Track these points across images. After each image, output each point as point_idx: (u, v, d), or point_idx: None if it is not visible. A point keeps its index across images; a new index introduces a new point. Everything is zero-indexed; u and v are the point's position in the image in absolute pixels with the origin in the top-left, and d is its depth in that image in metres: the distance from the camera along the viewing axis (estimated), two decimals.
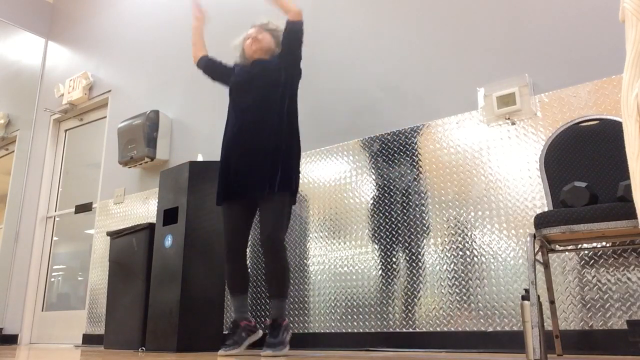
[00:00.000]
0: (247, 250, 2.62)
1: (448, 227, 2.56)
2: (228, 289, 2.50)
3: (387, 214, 2.78)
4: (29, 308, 4.86)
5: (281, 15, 2.78)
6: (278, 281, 2.33)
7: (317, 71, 3.32)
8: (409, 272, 2.63)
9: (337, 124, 3.13)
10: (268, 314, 3.12)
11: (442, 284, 2.51)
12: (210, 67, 2.84)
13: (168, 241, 3.07)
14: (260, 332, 2.47)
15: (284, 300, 2.35)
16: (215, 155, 3.72)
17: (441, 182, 2.63)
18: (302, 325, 2.94)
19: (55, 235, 5.05)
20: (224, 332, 3.28)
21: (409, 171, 2.76)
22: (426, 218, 2.64)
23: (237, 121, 2.53)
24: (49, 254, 5.00)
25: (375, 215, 2.82)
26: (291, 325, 2.98)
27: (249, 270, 3.16)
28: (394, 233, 2.73)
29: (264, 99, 2.51)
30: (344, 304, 2.81)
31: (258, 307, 3.15)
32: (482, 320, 2.36)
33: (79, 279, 4.64)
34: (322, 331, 2.85)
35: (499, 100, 2.51)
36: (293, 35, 2.59)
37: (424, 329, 2.51)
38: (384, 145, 2.89)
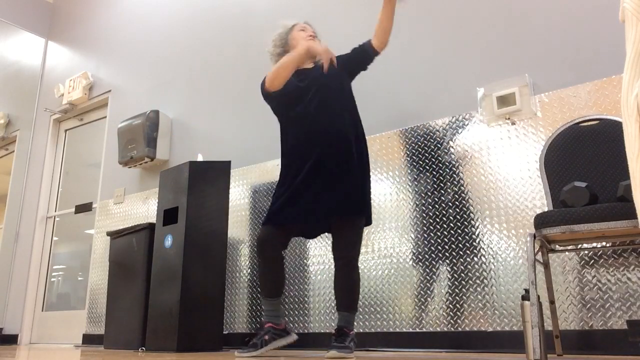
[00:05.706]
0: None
1: (448, 227, 2.56)
2: (263, 292, 2.33)
3: (386, 214, 2.78)
4: (29, 308, 4.86)
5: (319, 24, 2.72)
6: (349, 296, 2.27)
7: None
8: (408, 272, 2.63)
9: None
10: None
11: (442, 283, 2.51)
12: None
13: (168, 241, 3.07)
14: (293, 336, 2.34)
15: (353, 313, 2.29)
16: (215, 155, 3.72)
17: (441, 182, 2.63)
18: (302, 325, 2.94)
19: (55, 235, 5.05)
20: (224, 332, 3.28)
21: (409, 171, 2.76)
22: (426, 218, 2.64)
23: (304, 134, 2.34)
24: (49, 254, 5.00)
25: (375, 215, 2.82)
26: (298, 327, 2.98)
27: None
28: (393, 233, 2.72)
29: (330, 105, 2.34)
30: None
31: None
32: (482, 320, 2.36)
33: (79, 279, 4.64)
34: (322, 331, 2.85)
35: (499, 100, 2.51)
36: (367, 60, 2.48)
37: (424, 329, 2.51)
38: (384, 145, 2.89)
